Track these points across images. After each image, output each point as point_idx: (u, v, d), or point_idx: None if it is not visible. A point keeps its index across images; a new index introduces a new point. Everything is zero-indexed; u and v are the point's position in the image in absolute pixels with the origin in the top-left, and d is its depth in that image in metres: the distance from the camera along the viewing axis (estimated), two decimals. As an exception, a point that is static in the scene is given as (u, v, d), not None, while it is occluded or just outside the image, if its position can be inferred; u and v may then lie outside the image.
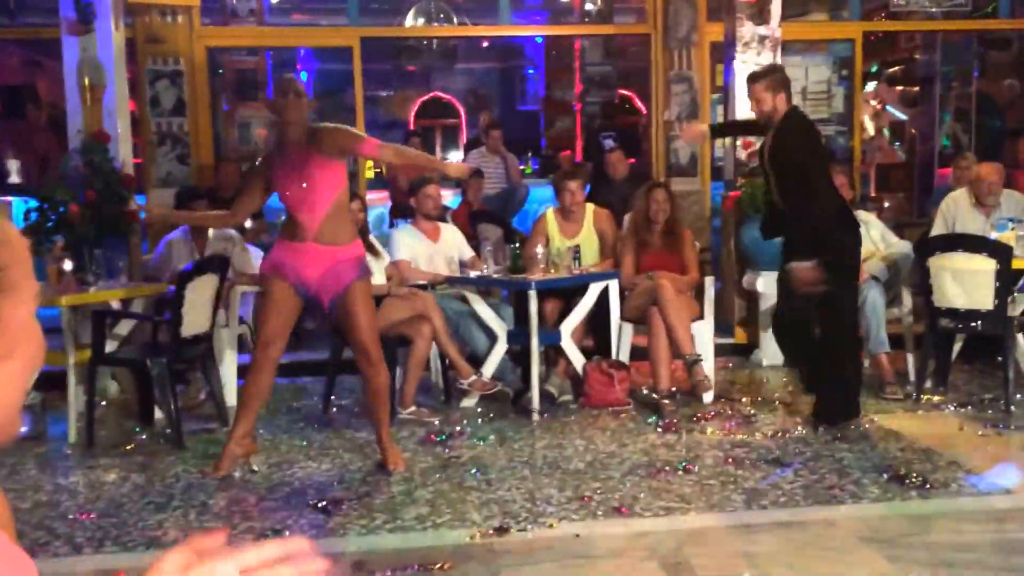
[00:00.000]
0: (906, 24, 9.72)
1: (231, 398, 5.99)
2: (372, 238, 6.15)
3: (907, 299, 6.18)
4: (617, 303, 6.02)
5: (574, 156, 11.23)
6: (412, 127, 12.82)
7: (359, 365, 4.58)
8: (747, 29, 7.28)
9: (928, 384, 5.84)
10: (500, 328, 5.86)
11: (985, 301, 5.43)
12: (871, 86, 10.90)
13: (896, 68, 11.39)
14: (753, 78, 5.29)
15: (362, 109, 8.58)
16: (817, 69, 9.07)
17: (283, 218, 4.85)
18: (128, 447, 5.19)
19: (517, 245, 5.87)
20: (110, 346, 5.48)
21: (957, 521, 3.88)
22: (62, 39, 6.61)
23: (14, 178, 8.87)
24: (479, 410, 5.80)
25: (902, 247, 6.33)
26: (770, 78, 5.16)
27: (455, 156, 12.84)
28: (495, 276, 5.83)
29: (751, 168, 7.02)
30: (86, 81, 6.55)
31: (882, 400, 5.76)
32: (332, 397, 5.99)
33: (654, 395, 5.74)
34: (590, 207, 6.39)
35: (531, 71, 13.56)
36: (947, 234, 6.14)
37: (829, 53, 9.40)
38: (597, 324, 6.10)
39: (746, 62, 7.25)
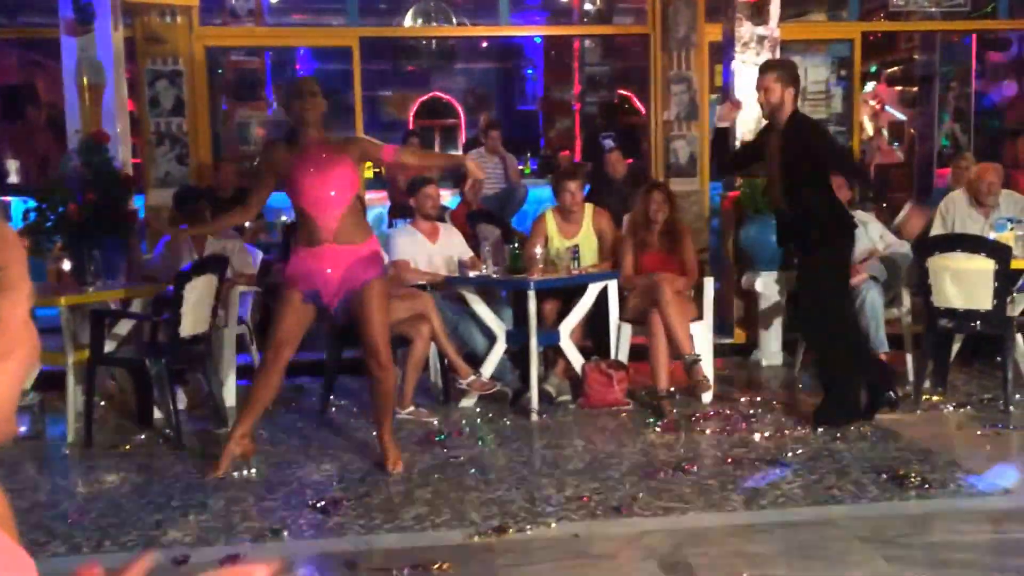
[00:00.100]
0: (905, 24, 9.73)
1: (230, 398, 6.00)
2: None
3: (906, 299, 6.18)
4: (616, 303, 6.02)
5: (573, 156, 11.23)
6: (411, 127, 12.80)
7: (368, 365, 4.57)
8: (746, 29, 7.28)
9: (927, 384, 5.84)
10: (499, 328, 5.86)
11: (984, 301, 5.43)
12: (870, 86, 10.90)
13: (895, 68, 11.40)
14: (767, 67, 5.31)
15: (361, 109, 8.58)
16: (816, 69, 9.08)
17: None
18: (127, 447, 5.19)
19: (516, 245, 5.87)
20: (109, 346, 5.48)
21: (956, 521, 3.88)
22: (61, 39, 6.61)
23: (13, 178, 8.87)
24: (478, 410, 5.80)
25: (901, 247, 6.34)
26: (783, 71, 5.16)
27: (454, 157, 12.83)
28: (494, 276, 5.83)
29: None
30: (85, 81, 6.55)
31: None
32: (331, 397, 5.99)
33: (653, 396, 5.74)
34: (589, 207, 6.39)
35: (530, 71, 13.55)
36: (946, 234, 6.15)
37: (828, 53, 9.41)
38: (596, 324, 6.10)
39: (745, 62, 7.26)
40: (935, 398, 5.76)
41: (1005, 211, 6.23)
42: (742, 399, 5.89)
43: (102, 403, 5.95)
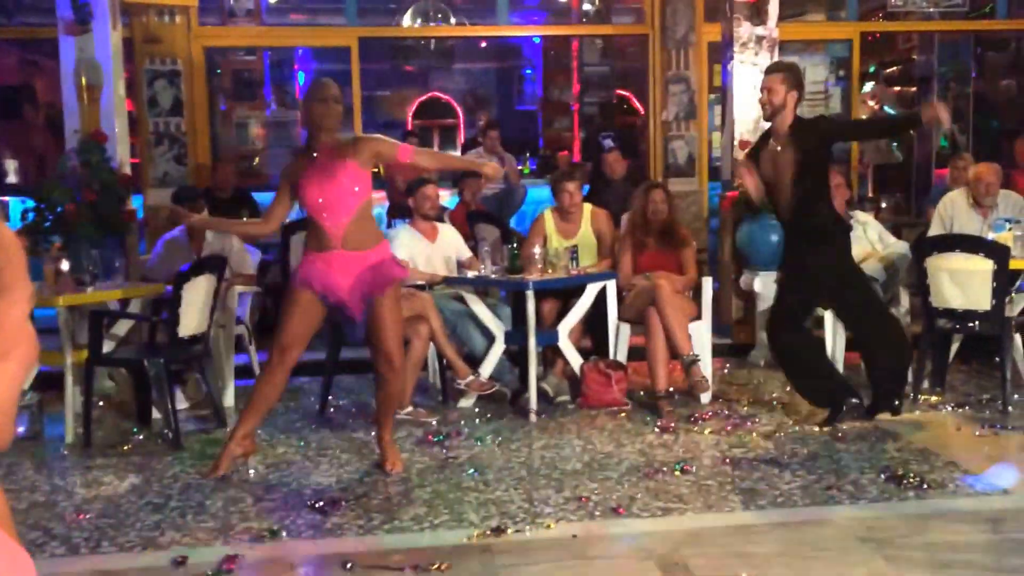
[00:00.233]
0: (903, 24, 9.74)
1: (228, 399, 6.00)
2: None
3: (905, 299, 6.18)
4: (615, 303, 6.02)
5: (572, 156, 11.23)
6: (410, 127, 12.81)
7: (379, 367, 4.55)
8: (744, 29, 7.28)
9: (925, 384, 5.84)
10: (498, 328, 5.86)
11: (982, 301, 5.43)
12: (869, 86, 10.90)
13: (894, 68, 11.40)
14: (773, 68, 5.34)
15: (360, 109, 8.58)
16: (814, 69, 9.08)
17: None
18: (125, 447, 5.18)
19: (515, 245, 5.87)
20: (107, 346, 5.47)
21: (954, 521, 3.88)
22: (59, 39, 6.61)
23: (11, 178, 8.86)
24: (477, 410, 5.80)
25: (899, 247, 6.34)
26: (789, 73, 5.17)
27: (453, 157, 12.82)
28: (493, 276, 5.83)
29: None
30: (83, 81, 6.55)
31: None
32: (329, 397, 5.98)
33: (652, 396, 5.74)
34: (588, 207, 6.39)
35: (529, 71, 13.55)
36: (945, 234, 6.14)
37: (826, 53, 9.42)
38: (595, 324, 6.10)
39: (743, 62, 7.26)
40: (934, 398, 5.77)
41: (1003, 211, 6.23)
42: (740, 399, 5.89)
43: (100, 403, 5.95)
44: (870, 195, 10.11)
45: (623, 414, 5.64)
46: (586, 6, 10.68)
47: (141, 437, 5.37)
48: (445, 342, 5.77)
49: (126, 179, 6.72)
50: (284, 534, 3.89)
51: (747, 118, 7.08)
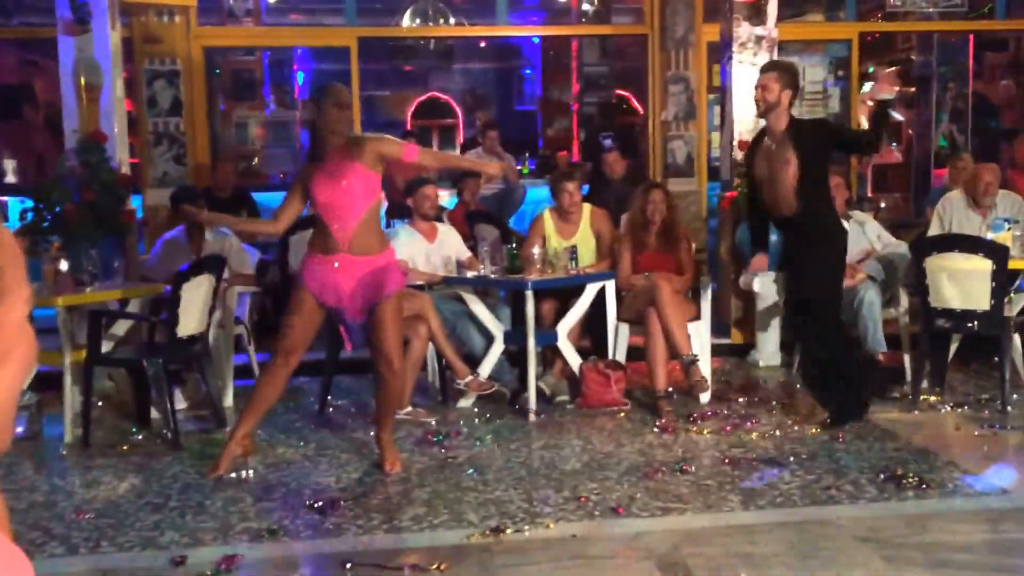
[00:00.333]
0: (902, 25, 9.74)
1: (228, 399, 6.00)
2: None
3: (904, 299, 6.18)
4: (614, 303, 6.02)
5: (571, 156, 11.23)
6: (409, 127, 12.80)
7: (378, 367, 4.55)
8: (744, 29, 7.28)
9: (925, 384, 5.84)
10: (497, 328, 5.86)
11: (981, 301, 5.43)
12: (868, 87, 10.90)
13: (892, 68, 11.40)
14: (769, 66, 5.34)
15: (359, 109, 8.57)
16: (813, 69, 9.08)
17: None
18: (124, 448, 5.18)
19: (514, 245, 5.87)
20: (106, 346, 5.47)
21: (954, 521, 3.88)
22: (58, 39, 6.60)
23: (10, 178, 8.86)
24: (476, 410, 5.80)
25: (899, 247, 6.34)
26: (785, 72, 5.18)
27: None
28: (492, 276, 5.83)
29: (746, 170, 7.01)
30: (82, 81, 6.54)
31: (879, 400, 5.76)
32: (329, 398, 5.98)
33: (651, 396, 5.74)
34: (587, 207, 6.38)
35: (528, 71, 13.54)
36: (944, 234, 6.15)
37: (826, 53, 9.41)
38: (594, 324, 6.10)
39: (743, 62, 7.26)
40: (933, 398, 5.77)
41: (1002, 211, 6.24)
42: (740, 399, 5.89)
43: (99, 403, 5.94)
44: (869, 195, 10.12)
45: (622, 414, 5.64)
46: (585, 6, 10.68)
47: (140, 437, 5.37)
48: (444, 342, 5.77)
49: (125, 179, 6.71)
50: (283, 534, 3.89)
51: (746, 118, 7.07)
